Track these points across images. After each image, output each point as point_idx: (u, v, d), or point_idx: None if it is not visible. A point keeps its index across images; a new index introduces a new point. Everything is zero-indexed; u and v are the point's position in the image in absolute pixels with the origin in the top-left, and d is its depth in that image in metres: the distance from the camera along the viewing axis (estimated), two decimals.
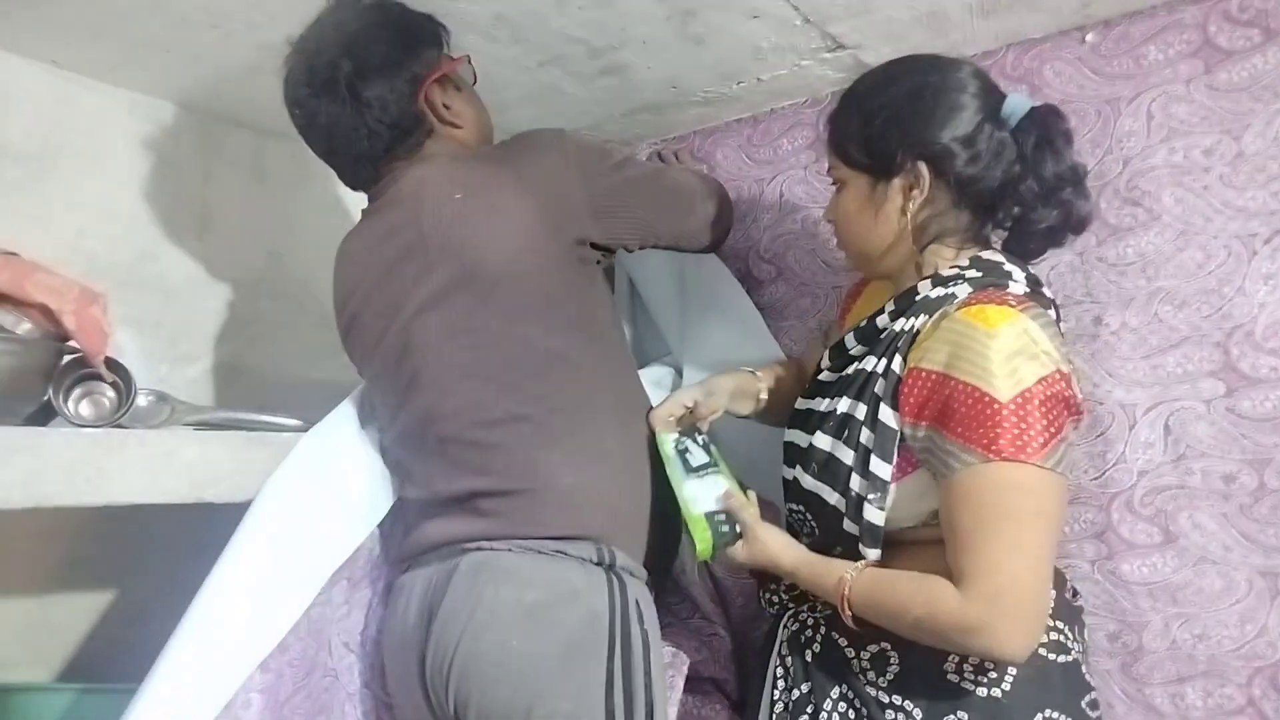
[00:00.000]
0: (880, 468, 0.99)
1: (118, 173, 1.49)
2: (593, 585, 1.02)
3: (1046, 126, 1.02)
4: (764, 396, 1.28)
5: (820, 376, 1.16)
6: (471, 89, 1.27)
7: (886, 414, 1.00)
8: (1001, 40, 1.36)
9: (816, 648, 1.08)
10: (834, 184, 1.14)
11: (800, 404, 1.16)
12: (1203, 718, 1.16)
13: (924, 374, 0.98)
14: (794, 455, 1.11)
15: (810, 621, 1.10)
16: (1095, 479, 1.25)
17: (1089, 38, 1.31)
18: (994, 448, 0.91)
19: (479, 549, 1.04)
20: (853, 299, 1.32)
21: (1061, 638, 1.00)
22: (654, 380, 1.53)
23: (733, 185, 1.67)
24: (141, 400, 1.28)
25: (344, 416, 1.22)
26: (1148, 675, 1.20)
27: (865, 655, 1.03)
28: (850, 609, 0.98)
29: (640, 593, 1.06)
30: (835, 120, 1.12)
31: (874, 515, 0.99)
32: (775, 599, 1.17)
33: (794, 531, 1.16)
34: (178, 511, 1.12)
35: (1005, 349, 0.93)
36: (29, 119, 1.38)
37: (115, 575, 1.44)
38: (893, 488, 0.99)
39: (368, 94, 1.13)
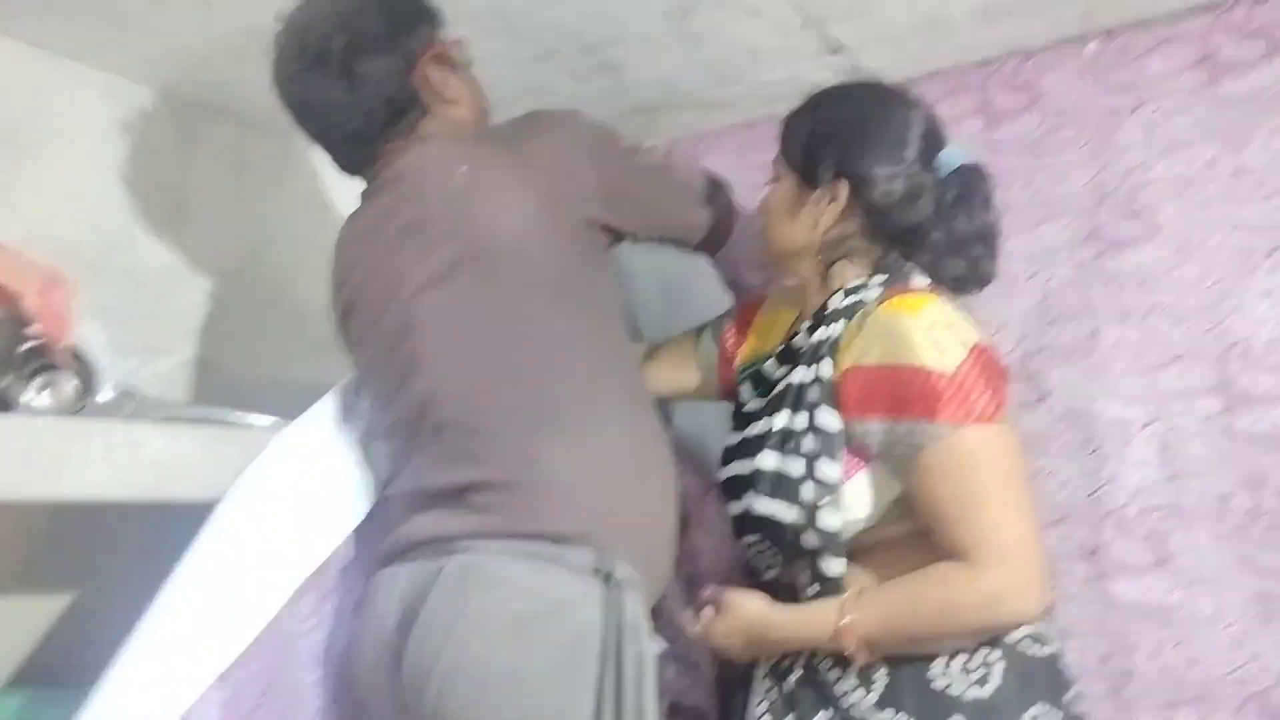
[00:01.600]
0: (829, 469, 0.99)
1: (91, 158, 1.44)
2: (587, 598, 0.96)
3: (968, 185, 1.06)
4: None
5: (746, 409, 1.17)
6: (467, 70, 1.24)
7: (825, 417, 1.00)
8: (1002, 48, 1.34)
9: (798, 674, 1.05)
10: (772, 176, 1.18)
11: (731, 439, 1.15)
12: None
13: (863, 370, 1.00)
14: (739, 485, 1.09)
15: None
16: (1088, 496, 1.23)
17: (1090, 47, 1.29)
18: (957, 415, 0.93)
19: (467, 550, 0.98)
20: (747, 319, 1.31)
21: (1039, 629, 0.98)
22: None
23: None
24: (105, 394, 1.22)
25: (322, 415, 1.16)
26: (1138, 700, 1.17)
27: (850, 673, 1.00)
28: (859, 636, 0.95)
29: (637, 608, 0.99)
30: (790, 118, 1.17)
31: (831, 520, 0.98)
32: None
33: (754, 569, 1.12)
34: (140, 510, 1.07)
35: (934, 328, 0.97)
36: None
37: (73, 576, 1.37)
38: (844, 488, 0.98)
39: (362, 69, 1.09)
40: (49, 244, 1.33)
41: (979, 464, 0.93)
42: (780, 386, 1.08)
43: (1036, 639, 0.97)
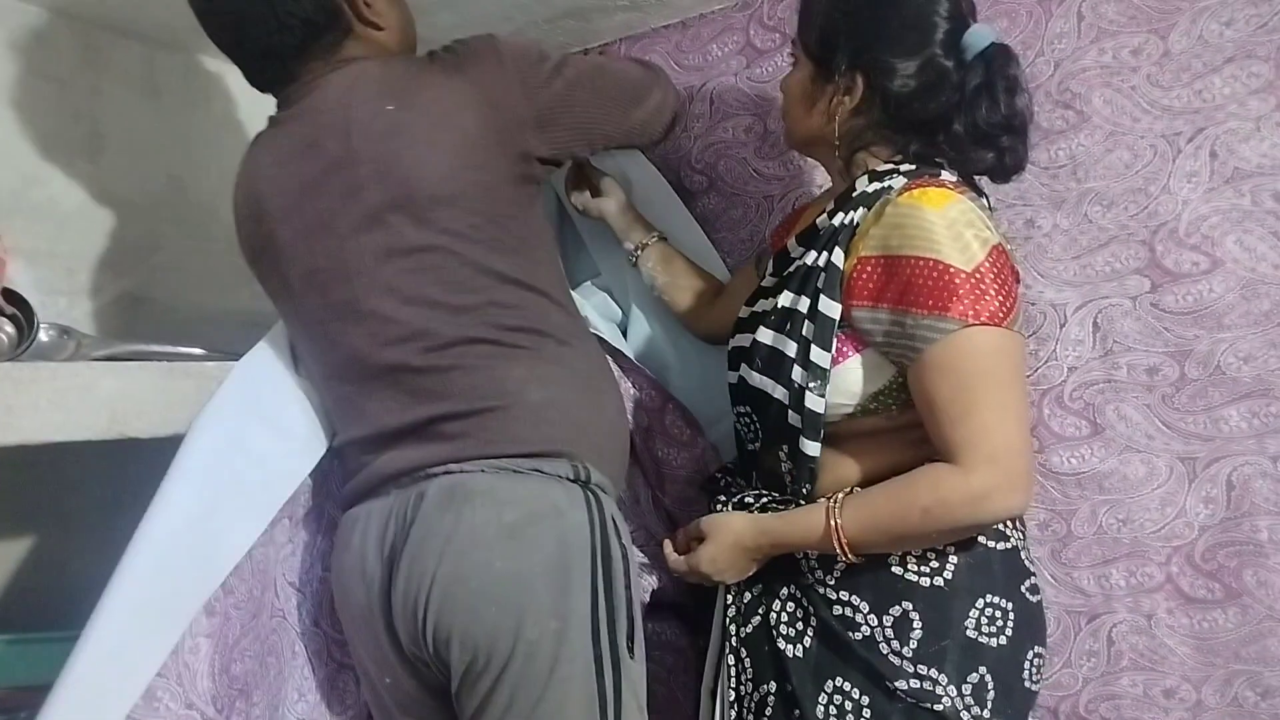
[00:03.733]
0: (820, 356, 1.01)
1: None
2: (572, 502, 1.00)
3: (991, 70, 1.02)
4: (656, 251, 1.39)
5: (763, 283, 1.17)
6: None
7: (826, 304, 1.01)
8: None
9: None
10: (791, 57, 1.16)
11: (743, 311, 1.17)
12: (1125, 595, 1.24)
13: (875, 260, 0.99)
14: (738, 356, 1.12)
15: None
16: (1027, 377, 1.28)
17: None
18: (970, 313, 0.93)
19: (447, 472, 0.99)
20: (786, 230, 1.31)
21: (1001, 526, 1.03)
22: (593, 306, 1.50)
23: None
24: (43, 335, 1.18)
25: (276, 345, 1.14)
26: (1075, 559, 1.26)
27: (813, 554, 1.05)
28: (846, 537, 0.98)
29: (614, 509, 1.04)
30: (809, 1, 1.12)
31: (815, 403, 1.01)
32: (724, 510, 1.15)
33: (740, 438, 1.17)
34: (97, 449, 1.04)
35: (954, 224, 0.96)
36: None
37: (31, 521, 1.35)
38: (833, 373, 1.01)
39: None
40: None
41: (983, 365, 0.93)
42: (793, 266, 1.09)
43: (996, 535, 1.02)
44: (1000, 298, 0.94)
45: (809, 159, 1.40)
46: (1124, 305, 1.24)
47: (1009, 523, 1.04)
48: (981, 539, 1.01)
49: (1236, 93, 1.19)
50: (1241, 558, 1.18)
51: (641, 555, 1.25)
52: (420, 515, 0.98)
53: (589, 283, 1.54)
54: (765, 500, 1.10)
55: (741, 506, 1.12)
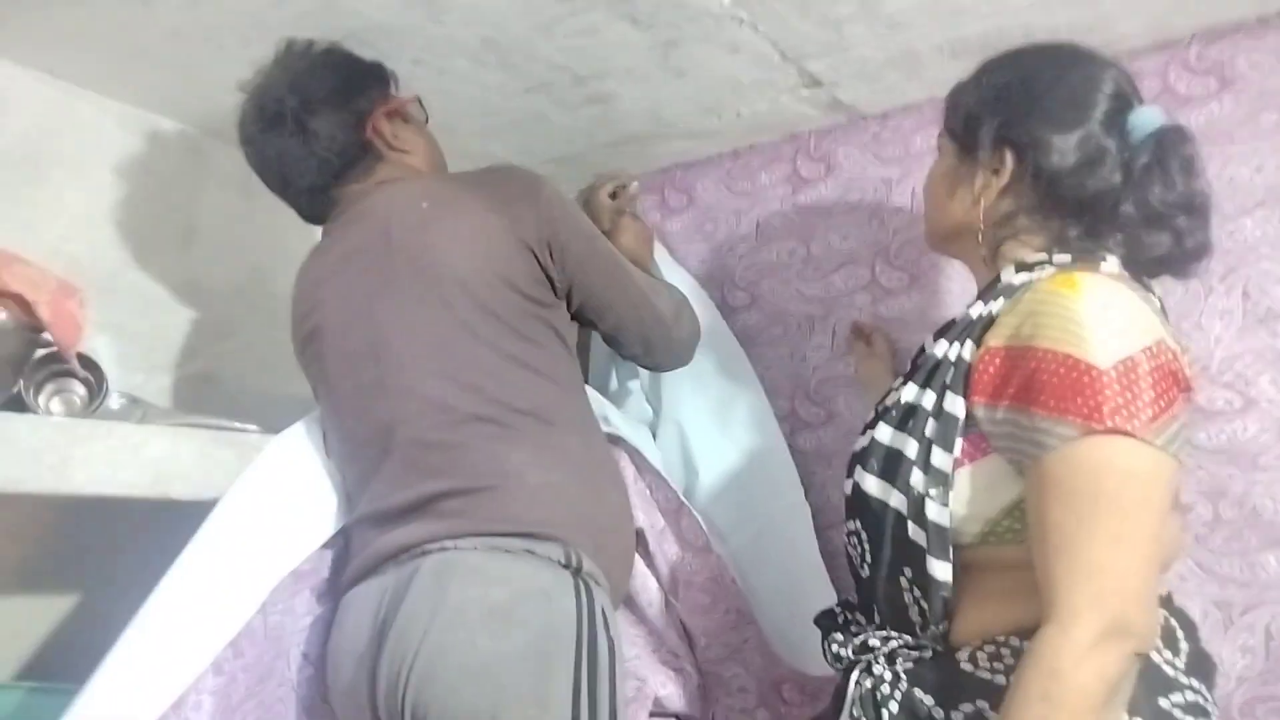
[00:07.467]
0: (941, 459, 0.87)
1: (105, 182, 1.51)
2: (561, 587, 1.01)
3: (1163, 148, 0.92)
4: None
5: (894, 383, 1.04)
6: (422, 124, 1.32)
7: (952, 401, 0.88)
8: None
9: (894, 707, 0.89)
10: (938, 150, 1.08)
11: (869, 415, 1.03)
12: None
13: (1001, 350, 0.86)
14: (856, 458, 0.98)
15: (888, 677, 0.91)
16: None
17: None
18: (1096, 415, 0.78)
19: (441, 549, 1.01)
20: None
21: (1200, 699, 0.84)
22: (624, 405, 1.55)
23: (711, 215, 1.71)
24: (113, 402, 1.28)
25: (311, 427, 1.22)
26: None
27: (957, 717, 0.85)
28: None
29: (605, 600, 1.04)
30: (957, 87, 1.06)
31: (938, 514, 0.86)
32: (842, 651, 0.98)
33: (851, 564, 1.00)
34: (141, 510, 1.12)
35: (1097, 312, 0.82)
36: (20, 124, 1.41)
37: (76, 575, 1.42)
38: (956, 476, 0.87)
39: (314, 125, 1.18)
40: (62, 264, 1.40)
41: (1104, 485, 0.77)
42: (922, 359, 0.97)
43: (1195, 709, 0.83)
44: (1146, 401, 0.78)
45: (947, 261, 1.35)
46: None
47: (1206, 694, 0.85)
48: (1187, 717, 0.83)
49: (1268, 235, 1.19)
50: None
51: (651, 659, 1.24)
52: (410, 591, 1.00)
53: (627, 383, 1.59)
54: (895, 645, 0.92)
55: (865, 651, 0.95)
